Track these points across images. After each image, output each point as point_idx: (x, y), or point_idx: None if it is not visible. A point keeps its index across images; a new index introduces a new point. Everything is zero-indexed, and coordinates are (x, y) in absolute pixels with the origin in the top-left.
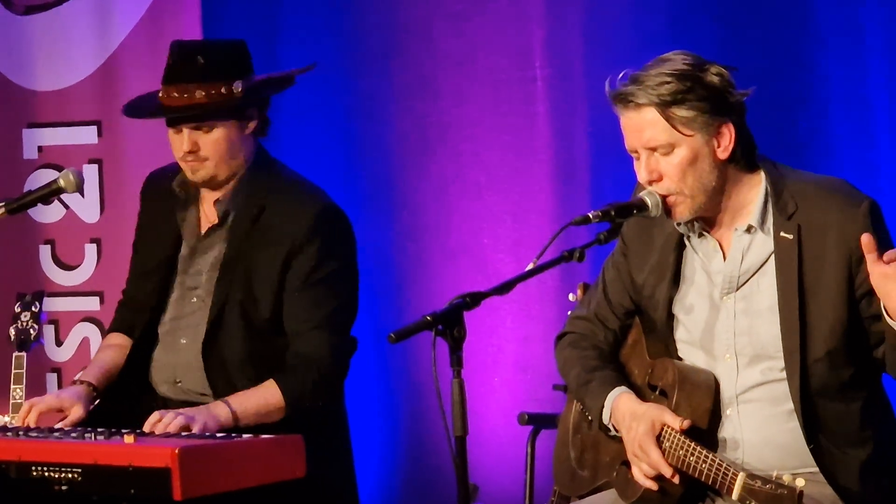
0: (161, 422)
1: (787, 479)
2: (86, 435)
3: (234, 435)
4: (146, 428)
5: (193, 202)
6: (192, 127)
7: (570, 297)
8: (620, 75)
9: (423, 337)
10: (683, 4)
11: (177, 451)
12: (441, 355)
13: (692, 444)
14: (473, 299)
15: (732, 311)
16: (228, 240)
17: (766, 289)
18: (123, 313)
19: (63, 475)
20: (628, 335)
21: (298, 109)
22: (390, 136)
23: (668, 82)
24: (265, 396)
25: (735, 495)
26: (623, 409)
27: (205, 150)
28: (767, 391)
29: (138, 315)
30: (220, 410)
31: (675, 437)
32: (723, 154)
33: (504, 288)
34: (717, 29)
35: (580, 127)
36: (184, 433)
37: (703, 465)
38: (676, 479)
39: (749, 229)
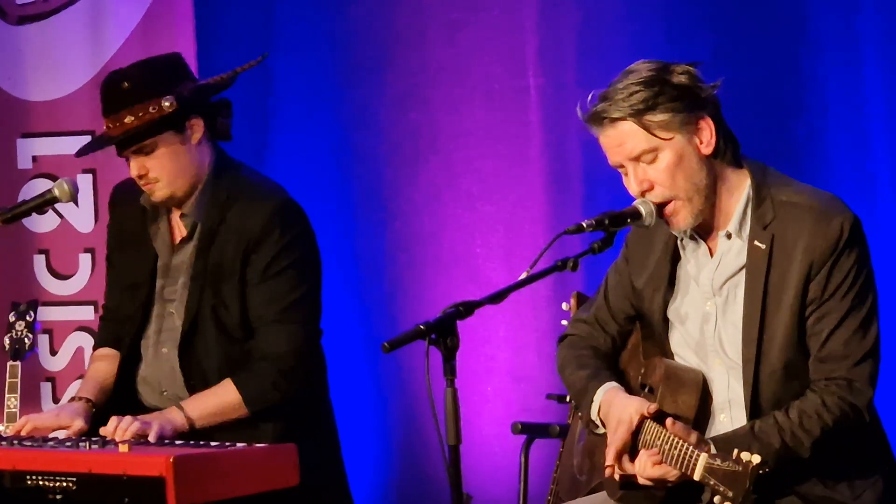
0: (118, 427)
1: (745, 456)
2: (80, 444)
3: (227, 444)
4: (104, 433)
5: (163, 214)
6: (134, 152)
7: (564, 306)
8: (589, 97)
9: (417, 346)
10: (678, 13)
11: (171, 460)
12: (434, 364)
13: (664, 431)
14: (467, 308)
15: (714, 317)
16: (197, 249)
17: (739, 297)
18: (108, 327)
19: (57, 484)
20: (628, 340)
21: (291, 118)
22: (383, 145)
23: (636, 91)
24: (221, 397)
25: (697, 475)
26: (608, 400)
27: (154, 172)
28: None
29: (122, 328)
30: (174, 415)
31: (652, 427)
32: (706, 149)
33: (497, 297)
34: (712, 37)
35: (573, 136)
36: (140, 442)
37: (674, 451)
38: (615, 473)
39: (729, 235)
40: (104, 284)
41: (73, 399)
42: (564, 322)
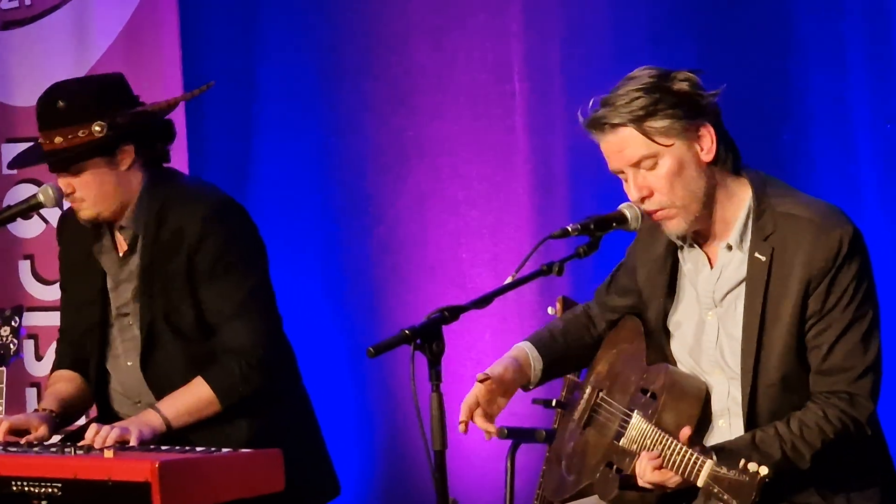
0: (98, 435)
1: (752, 467)
2: (65, 449)
3: (213, 449)
4: (86, 441)
5: (106, 232)
6: (60, 170)
7: (549, 310)
8: (591, 103)
9: (402, 351)
10: (663, 20)
11: (157, 465)
12: (419, 370)
13: (656, 432)
14: (452, 313)
15: (715, 327)
16: (141, 260)
17: (740, 309)
18: (64, 350)
19: (43, 490)
20: (631, 344)
21: (275, 124)
22: (368, 151)
23: (637, 98)
24: (195, 394)
25: (700, 482)
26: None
27: (79, 192)
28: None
29: (79, 349)
30: (150, 418)
31: (641, 427)
32: (707, 157)
33: (483, 301)
34: (696, 43)
35: (559, 141)
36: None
37: (676, 456)
38: (463, 427)
39: (729, 247)
40: None
41: (36, 410)
42: None
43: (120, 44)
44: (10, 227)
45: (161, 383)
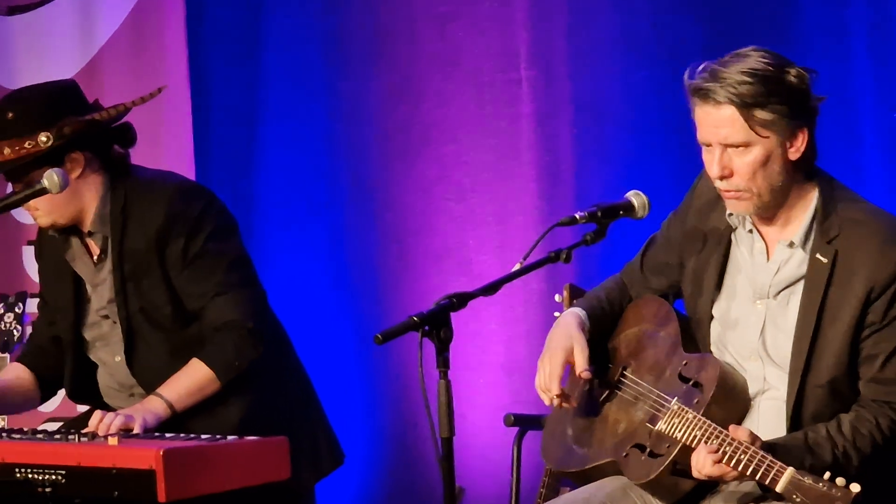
0: (102, 422)
1: (840, 481)
2: (69, 437)
3: (218, 437)
4: (90, 428)
5: (76, 238)
6: (11, 181)
7: (556, 298)
8: (700, 67)
9: (409, 338)
10: (668, 7)
11: (161, 453)
12: (426, 357)
13: (720, 430)
14: (460, 300)
15: (763, 318)
16: (114, 261)
17: (793, 306)
18: (31, 350)
19: (47, 477)
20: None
21: (282, 112)
22: (374, 138)
23: (749, 82)
24: (193, 375)
25: (780, 487)
26: (566, 319)
27: (33, 202)
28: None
29: (44, 354)
30: (154, 404)
31: (681, 414)
32: (794, 155)
33: (490, 289)
34: (700, 30)
35: (565, 129)
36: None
37: (743, 456)
38: (556, 399)
39: (791, 244)
40: None
41: None
42: (557, 314)
43: (125, 31)
44: (13, 213)
45: (147, 376)
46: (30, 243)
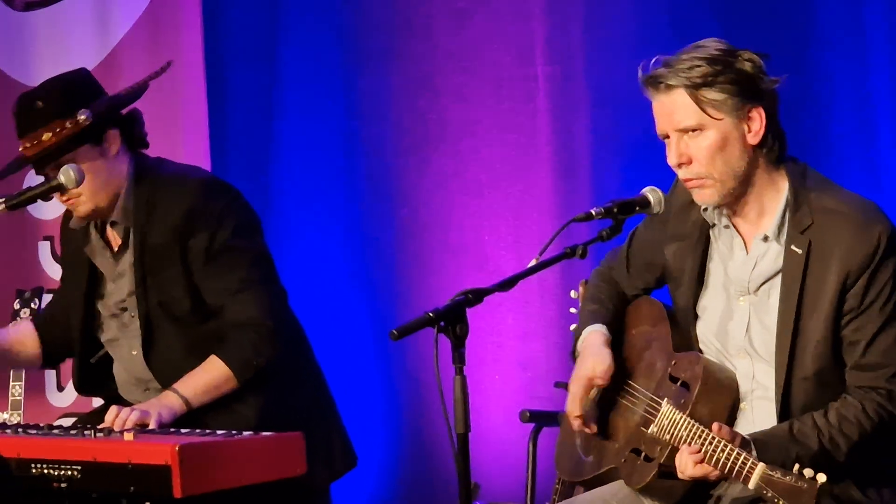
0: (118, 417)
1: (808, 472)
2: (85, 432)
3: (234, 432)
4: (106, 423)
5: (95, 231)
6: (54, 168)
7: (572, 294)
8: (652, 61)
9: (425, 334)
10: (686, 3)
11: (177, 448)
12: (442, 352)
13: (690, 423)
14: (476, 296)
15: (747, 314)
16: (135, 253)
17: (774, 300)
18: (45, 316)
19: (62, 472)
20: (657, 329)
21: (300, 107)
22: (391, 134)
23: (698, 66)
24: (210, 372)
25: (752, 484)
26: (588, 342)
27: (76, 189)
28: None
29: (57, 328)
30: (170, 400)
31: (671, 415)
32: (753, 139)
33: (506, 284)
34: (718, 26)
35: (581, 124)
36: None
37: (721, 454)
38: (582, 427)
39: (766, 238)
40: None
41: None
42: (573, 310)
43: (141, 26)
44: (29, 208)
45: (164, 370)
46: (46, 238)
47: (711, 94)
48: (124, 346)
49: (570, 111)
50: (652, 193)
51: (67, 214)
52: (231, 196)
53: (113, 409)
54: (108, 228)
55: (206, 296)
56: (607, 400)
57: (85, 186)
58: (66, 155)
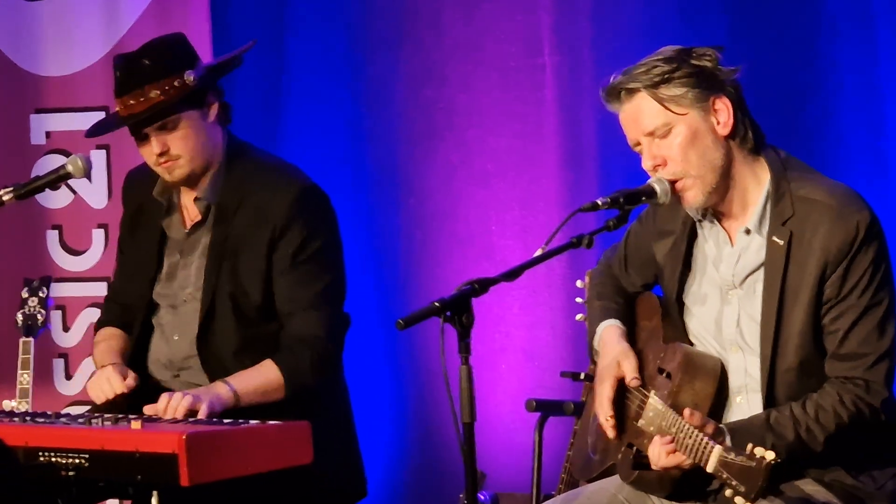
0: (169, 405)
1: (758, 451)
2: (93, 420)
3: (241, 421)
4: (154, 411)
5: (175, 201)
6: (157, 128)
7: (578, 283)
8: (611, 78)
9: (431, 323)
10: None
11: (184, 437)
12: (449, 342)
13: (672, 415)
14: (482, 286)
15: (737, 307)
16: (213, 233)
17: (759, 293)
18: (112, 309)
19: (70, 461)
20: (649, 321)
21: (306, 96)
22: (398, 123)
23: (655, 66)
24: (265, 375)
25: (710, 468)
26: (605, 338)
27: (175, 149)
28: None
29: (127, 312)
30: (222, 390)
31: (658, 408)
32: (723, 130)
33: (512, 274)
34: (726, 17)
35: (588, 114)
36: (190, 419)
37: (688, 440)
38: (612, 427)
39: (748, 231)
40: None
41: (104, 366)
42: (579, 300)
43: (149, 15)
44: (38, 197)
45: (212, 361)
46: (54, 227)
47: (671, 91)
48: (167, 327)
49: (578, 101)
50: (658, 184)
51: (135, 179)
52: (328, 208)
53: (164, 396)
54: (188, 202)
55: (278, 301)
56: (614, 397)
57: (186, 147)
58: (172, 115)
